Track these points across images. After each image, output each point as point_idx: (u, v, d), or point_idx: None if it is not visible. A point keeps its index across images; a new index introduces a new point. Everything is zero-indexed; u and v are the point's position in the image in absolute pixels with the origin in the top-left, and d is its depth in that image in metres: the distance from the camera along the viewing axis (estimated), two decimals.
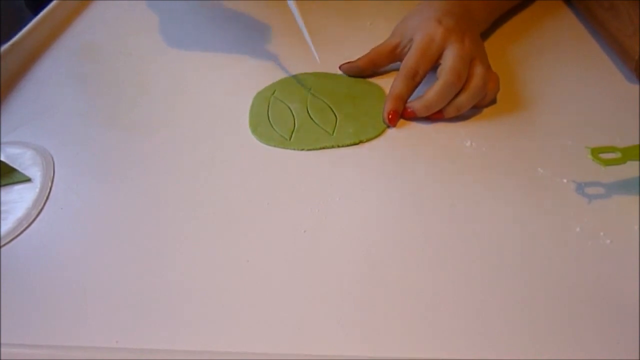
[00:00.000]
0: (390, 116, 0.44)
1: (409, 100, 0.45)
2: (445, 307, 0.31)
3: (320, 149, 0.43)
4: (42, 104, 0.50)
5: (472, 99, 0.44)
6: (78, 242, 0.37)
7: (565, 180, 0.39)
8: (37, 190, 0.41)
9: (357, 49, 0.55)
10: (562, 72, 0.50)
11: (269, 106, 0.47)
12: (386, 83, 0.49)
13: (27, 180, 0.41)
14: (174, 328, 0.31)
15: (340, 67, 0.51)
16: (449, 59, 0.43)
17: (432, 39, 0.45)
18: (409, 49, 0.47)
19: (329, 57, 0.53)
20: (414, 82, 0.45)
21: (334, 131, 0.44)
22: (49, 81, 0.53)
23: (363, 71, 0.50)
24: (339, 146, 0.43)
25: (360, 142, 0.43)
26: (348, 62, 0.50)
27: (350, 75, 0.51)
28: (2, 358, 0.29)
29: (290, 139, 0.44)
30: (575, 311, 0.31)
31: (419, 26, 0.47)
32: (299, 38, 0.57)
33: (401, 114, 0.45)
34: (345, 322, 0.31)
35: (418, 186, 0.39)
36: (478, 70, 0.44)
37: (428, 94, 0.44)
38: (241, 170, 0.42)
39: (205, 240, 0.36)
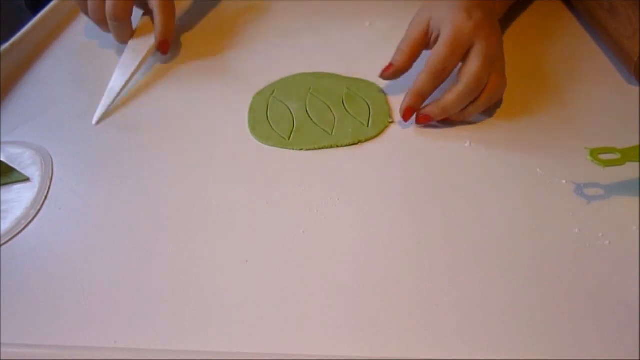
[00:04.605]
0: (406, 112, 0.44)
1: (423, 104, 0.44)
2: (444, 307, 0.31)
3: (319, 148, 0.43)
4: (42, 104, 0.50)
5: (482, 108, 0.44)
6: (76, 242, 0.37)
7: (564, 181, 0.39)
8: (36, 189, 0.40)
9: (357, 50, 0.55)
10: (561, 72, 0.50)
11: (268, 106, 0.47)
12: (385, 82, 0.49)
13: (26, 179, 0.41)
14: (173, 328, 0.31)
15: (382, 76, 0.46)
16: (475, 62, 0.42)
17: (461, 33, 0.42)
18: (436, 38, 0.44)
19: (328, 57, 0.53)
20: (440, 79, 0.43)
21: (333, 131, 0.44)
22: (49, 81, 0.53)
23: (405, 70, 0.46)
24: (337, 146, 0.43)
25: (359, 142, 0.43)
26: (386, 70, 0.46)
27: (391, 79, 0.46)
28: (1, 358, 0.29)
29: (289, 139, 0.44)
30: (574, 311, 0.31)
31: (447, 17, 0.44)
32: (298, 38, 0.57)
33: (416, 118, 0.44)
34: (345, 322, 0.31)
35: (417, 186, 0.39)
36: (495, 78, 0.43)
37: (447, 98, 0.42)
38: (240, 170, 0.41)
39: (204, 240, 0.36)
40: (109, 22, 0.52)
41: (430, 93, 0.44)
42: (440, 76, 0.43)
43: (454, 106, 0.42)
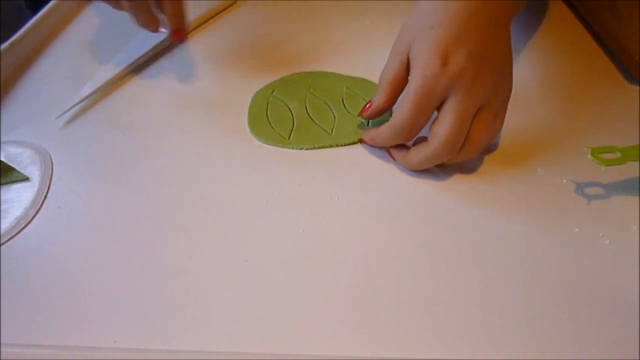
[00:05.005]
0: (361, 141, 0.42)
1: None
2: (444, 307, 0.31)
3: (319, 148, 0.43)
4: (41, 103, 0.50)
5: (466, 158, 0.39)
6: (76, 242, 0.37)
7: (564, 181, 0.39)
8: (35, 189, 0.40)
9: (357, 49, 0.55)
10: (561, 72, 0.50)
11: (267, 105, 0.47)
12: None
13: (25, 179, 0.41)
14: (172, 328, 0.31)
15: (360, 116, 0.42)
16: (445, 123, 0.36)
17: (431, 89, 0.35)
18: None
19: (329, 57, 0.53)
20: (404, 139, 0.38)
21: (332, 130, 0.44)
22: (48, 80, 0.53)
23: (386, 111, 0.41)
24: (337, 145, 0.43)
25: (360, 141, 0.43)
26: (365, 110, 0.41)
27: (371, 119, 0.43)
28: (1, 358, 0.29)
29: (289, 138, 0.44)
30: (574, 311, 0.31)
31: (420, 56, 0.36)
32: (298, 37, 0.57)
33: (387, 150, 0.41)
34: (345, 322, 0.31)
35: (416, 185, 0.39)
36: (484, 122, 0.37)
37: (412, 157, 0.39)
38: (240, 169, 0.41)
39: (203, 240, 0.36)
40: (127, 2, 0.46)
41: (390, 146, 0.40)
42: (405, 136, 0.38)
43: (419, 167, 0.39)
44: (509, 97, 0.39)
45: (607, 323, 0.30)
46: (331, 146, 0.43)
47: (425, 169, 0.39)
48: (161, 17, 0.49)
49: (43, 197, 0.40)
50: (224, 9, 0.63)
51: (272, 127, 0.45)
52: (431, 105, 0.36)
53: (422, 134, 0.39)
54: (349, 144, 0.43)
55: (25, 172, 0.42)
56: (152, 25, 0.48)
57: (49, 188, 0.41)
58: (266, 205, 0.38)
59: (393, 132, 0.38)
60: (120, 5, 0.47)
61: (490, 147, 0.42)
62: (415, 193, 0.39)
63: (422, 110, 0.36)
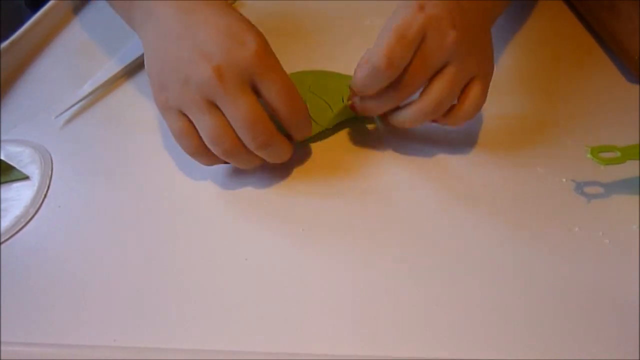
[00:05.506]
0: (353, 107, 0.40)
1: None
2: (444, 307, 0.31)
3: (320, 141, 0.43)
4: (41, 102, 0.50)
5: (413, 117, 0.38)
6: (76, 240, 0.37)
7: (564, 180, 0.39)
8: (35, 188, 0.40)
9: (357, 49, 0.55)
10: (561, 71, 0.50)
11: None
12: None
13: (25, 178, 0.41)
14: (172, 326, 0.31)
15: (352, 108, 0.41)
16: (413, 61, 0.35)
17: (408, 25, 0.35)
18: None
19: (329, 57, 0.53)
20: (382, 77, 0.36)
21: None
22: (48, 79, 0.53)
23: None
24: (334, 125, 0.43)
25: (351, 107, 0.41)
26: (353, 99, 0.40)
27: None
28: (1, 357, 0.29)
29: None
30: (574, 311, 0.31)
31: (398, 13, 0.36)
32: (298, 37, 0.57)
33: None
34: (345, 322, 0.31)
35: (417, 184, 0.39)
36: (437, 83, 0.36)
37: (401, 115, 0.38)
38: (239, 168, 0.41)
39: (203, 238, 0.36)
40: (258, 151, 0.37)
41: (374, 90, 0.38)
42: (383, 74, 0.36)
43: (408, 124, 0.39)
44: (490, 75, 0.39)
45: (607, 323, 0.30)
46: (329, 134, 0.43)
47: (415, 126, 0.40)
48: None
49: (43, 195, 0.40)
50: None
51: None
52: (408, 38, 0.35)
53: None
54: (343, 106, 0.42)
55: (25, 170, 0.42)
56: (256, 163, 0.39)
57: (48, 187, 0.41)
58: (266, 204, 0.38)
59: (371, 71, 0.36)
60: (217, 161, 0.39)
61: (490, 146, 0.42)
62: (415, 192, 0.39)
63: (399, 42, 0.35)
